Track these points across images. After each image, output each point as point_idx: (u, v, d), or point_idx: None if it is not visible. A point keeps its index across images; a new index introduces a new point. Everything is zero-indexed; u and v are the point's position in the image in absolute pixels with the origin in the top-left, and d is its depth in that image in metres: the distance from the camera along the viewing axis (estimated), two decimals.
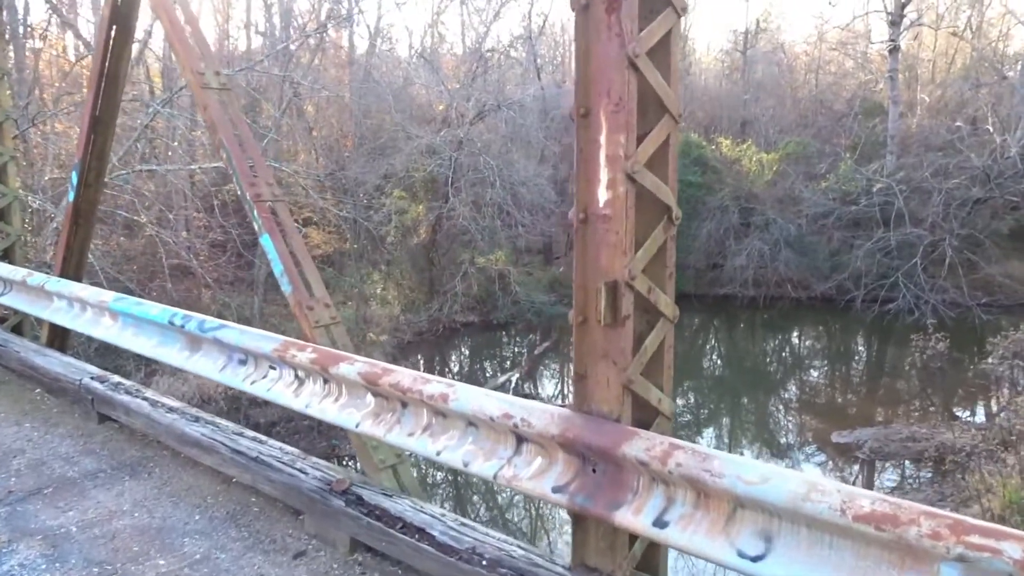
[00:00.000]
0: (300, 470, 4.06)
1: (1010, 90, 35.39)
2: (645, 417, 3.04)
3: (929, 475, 17.63)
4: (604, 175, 2.85)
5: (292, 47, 28.05)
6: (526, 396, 21.85)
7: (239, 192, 4.53)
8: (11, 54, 18.50)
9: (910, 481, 17.85)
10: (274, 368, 4.30)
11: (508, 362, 29.40)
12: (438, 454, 3.33)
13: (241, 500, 4.28)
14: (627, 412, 2.93)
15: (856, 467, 18.31)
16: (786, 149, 36.20)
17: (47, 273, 6.57)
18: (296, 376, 4.18)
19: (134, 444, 5.19)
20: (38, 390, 6.26)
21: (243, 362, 4.48)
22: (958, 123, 33.85)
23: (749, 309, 34.05)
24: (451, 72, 36.72)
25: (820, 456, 19.54)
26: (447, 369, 28.98)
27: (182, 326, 4.80)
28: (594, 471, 2.90)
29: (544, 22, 41.91)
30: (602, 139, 2.83)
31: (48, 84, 24.69)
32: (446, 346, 30.19)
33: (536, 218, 32.15)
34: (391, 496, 3.74)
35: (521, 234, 32.26)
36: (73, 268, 6.43)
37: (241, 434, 4.59)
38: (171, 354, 4.93)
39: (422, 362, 29.17)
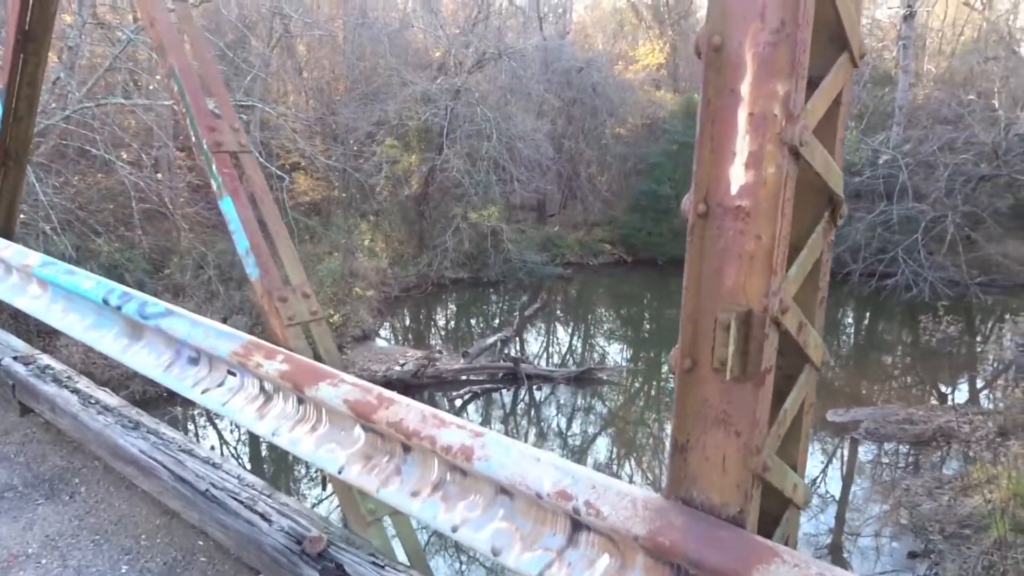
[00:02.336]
0: (262, 515, 3.04)
1: (1020, 64, 34.34)
2: (772, 507, 2.04)
3: (928, 459, 17.22)
4: (744, 145, 1.80)
5: None
6: (514, 359, 21.02)
7: (193, 138, 3.45)
8: None
9: (908, 466, 17.36)
10: (233, 374, 3.27)
11: (497, 321, 28.52)
12: (454, 530, 2.34)
13: (184, 545, 3.27)
14: (753, 509, 1.92)
15: (852, 448, 17.85)
16: None
17: None
18: (262, 389, 3.16)
19: (59, 448, 4.15)
20: None
21: (194, 361, 3.45)
22: (970, 96, 32.89)
23: None
24: (450, 17, 35.07)
25: (814, 436, 19.11)
26: (434, 327, 28.11)
27: (119, 307, 3.74)
28: None
29: None
30: (745, 89, 1.78)
31: None
32: (434, 303, 29.29)
33: (532, 174, 31.01)
34: (383, 566, 2.73)
35: (516, 190, 31.17)
36: (1, 221, 5.30)
37: (190, 452, 3.55)
38: (106, 341, 3.88)
39: (408, 319, 28.29)
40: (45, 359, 4.61)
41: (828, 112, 1.86)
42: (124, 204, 18.89)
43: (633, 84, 37.06)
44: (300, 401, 2.98)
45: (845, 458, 17.15)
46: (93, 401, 4.09)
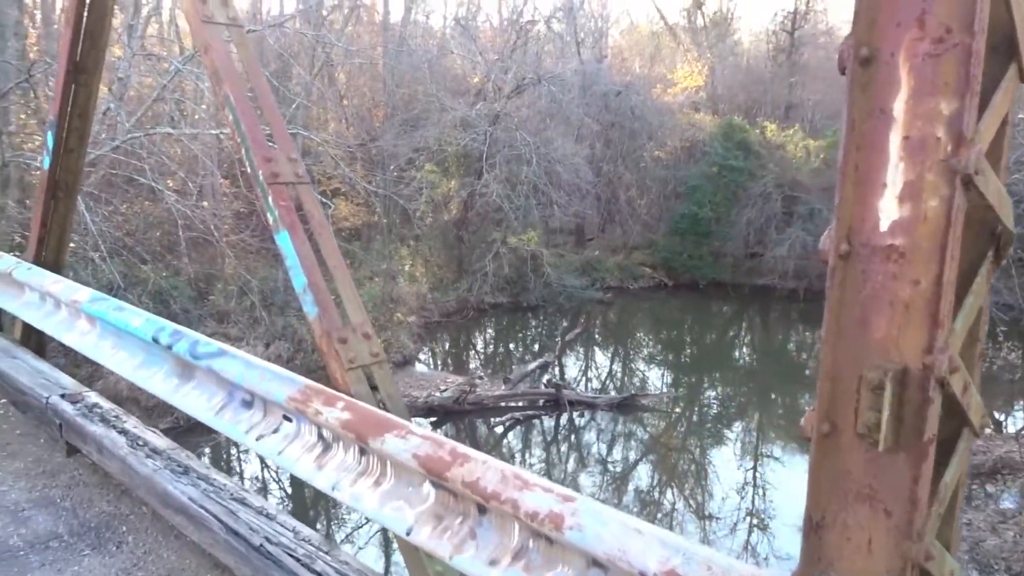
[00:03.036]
0: (320, 575, 2.81)
1: None
2: None
3: (988, 492, 16.49)
4: (898, 175, 1.53)
5: (325, 10, 26.69)
6: (556, 385, 20.67)
7: (249, 169, 3.29)
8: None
9: (967, 499, 16.68)
10: (289, 420, 3.06)
11: (536, 346, 28.23)
12: None
13: None
14: None
15: None
16: (835, 137, 34.43)
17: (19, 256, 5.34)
18: (320, 436, 2.93)
19: (107, 492, 3.98)
20: (3, 400, 5.08)
21: (247, 404, 3.24)
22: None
23: (787, 301, 32.77)
24: (488, 43, 35.24)
25: None
26: (474, 352, 27.91)
27: (169, 346, 3.57)
28: None
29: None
30: (899, 108, 1.52)
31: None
32: (473, 327, 29.11)
33: (571, 198, 30.84)
34: None
35: (555, 214, 31.01)
36: (51, 252, 5.20)
37: (243, 501, 3.34)
38: (155, 380, 3.70)
39: (448, 344, 28.13)
40: (93, 397, 4.46)
41: (997, 134, 1.58)
42: (170, 231, 19.08)
43: (672, 107, 36.79)
44: (363, 452, 2.75)
45: None
46: (141, 443, 3.91)
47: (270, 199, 3.20)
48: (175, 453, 3.81)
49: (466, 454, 2.37)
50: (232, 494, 3.41)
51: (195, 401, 3.44)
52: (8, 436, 4.64)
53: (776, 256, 32.09)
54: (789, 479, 16.84)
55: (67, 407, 4.30)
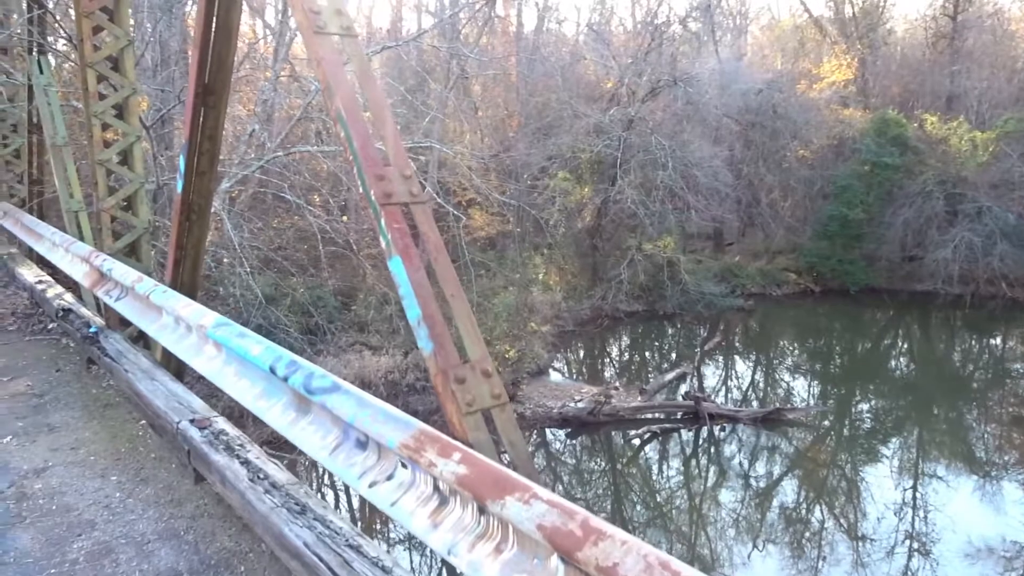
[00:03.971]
0: None
1: None
2: None
3: None
4: None
5: (460, 23, 27.07)
6: (695, 397, 19.77)
7: (361, 188, 3.04)
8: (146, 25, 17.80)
9: None
10: (405, 467, 2.77)
11: (673, 355, 27.37)
12: None
13: None
14: None
15: None
16: (1005, 127, 31.47)
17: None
18: (436, 488, 2.63)
19: (228, 526, 3.86)
20: (143, 421, 5.17)
21: (361, 445, 2.99)
22: None
23: (950, 308, 30.40)
24: (622, 47, 34.67)
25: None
26: (608, 361, 27.39)
27: (285, 377, 3.39)
28: None
29: None
30: None
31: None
32: (608, 336, 28.61)
33: (709, 202, 29.77)
34: None
35: (692, 219, 30.03)
36: (187, 274, 5.25)
37: (358, 549, 3.09)
38: (273, 412, 3.54)
39: (582, 353, 27.71)
40: (220, 423, 4.40)
41: None
42: (314, 246, 19.81)
43: (818, 103, 34.84)
44: (481, 511, 2.42)
45: None
46: (262, 476, 3.77)
47: (383, 221, 2.94)
48: (294, 489, 3.64)
49: (601, 530, 1.98)
50: (348, 540, 3.17)
51: (310, 438, 3.23)
52: (143, 460, 4.69)
53: (939, 259, 29.80)
54: (954, 501, 15.82)
55: (195, 433, 4.25)
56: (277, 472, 3.82)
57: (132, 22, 7.55)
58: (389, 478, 2.79)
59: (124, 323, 6.17)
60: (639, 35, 34.46)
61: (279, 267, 18.40)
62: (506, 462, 2.58)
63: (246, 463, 3.90)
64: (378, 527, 14.78)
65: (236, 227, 15.17)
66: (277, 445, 10.28)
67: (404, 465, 2.77)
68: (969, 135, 32.01)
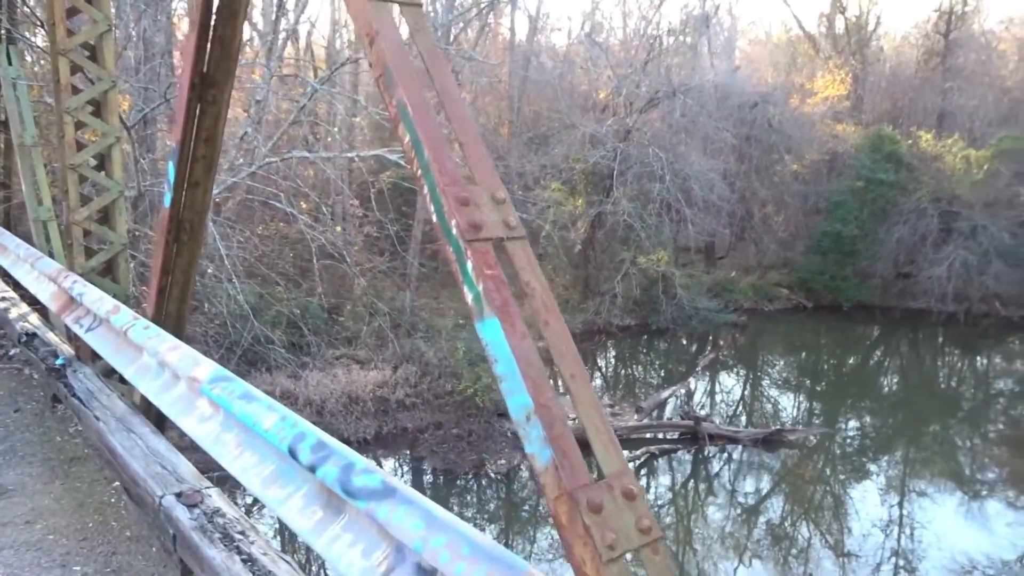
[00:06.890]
0: None
1: None
2: None
3: None
4: None
5: (453, 30, 26.42)
6: (695, 417, 19.11)
7: (434, 215, 2.16)
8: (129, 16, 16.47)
9: None
10: None
11: (665, 371, 26.74)
12: None
13: None
14: None
15: None
16: (1000, 146, 31.29)
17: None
18: None
19: None
20: (116, 483, 4.35)
21: (427, 574, 2.22)
22: None
23: (943, 326, 30.11)
24: (614, 58, 34.19)
25: (1022, 502, 16.81)
26: (602, 377, 26.72)
27: (312, 468, 2.61)
28: None
29: (716, 9, 38.41)
30: None
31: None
32: (601, 351, 27.93)
33: (706, 216, 29.28)
34: None
35: (685, 232, 29.53)
36: (174, 304, 4.45)
37: None
38: (291, 507, 2.71)
39: None
40: (215, 499, 3.57)
41: None
42: (302, 254, 19.01)
43: (812, 117, 34.50)
44: None
45: None
46: None
47: (469, 265, 2.05)
48: None
49: None
50: None
51: (345, 552, 2.41)
52: (116, 540, 3.86)
53: (933, 277, 29.51)
54: (940, 518, 15.88)
55: (182, 514, 3.45)
56: (286, 570, 3.05)
57: (114, 10, 6.80)
58: None
59: (96, 356, 5.34)
60: (631, 46, 34.02)
61: (263, 276, 17.58)
62: None
63: (250, 560, 3.11)
64: None
65: (223, 237, 14.32)
66: None
67: None
68: (963, 153, 31.85)
